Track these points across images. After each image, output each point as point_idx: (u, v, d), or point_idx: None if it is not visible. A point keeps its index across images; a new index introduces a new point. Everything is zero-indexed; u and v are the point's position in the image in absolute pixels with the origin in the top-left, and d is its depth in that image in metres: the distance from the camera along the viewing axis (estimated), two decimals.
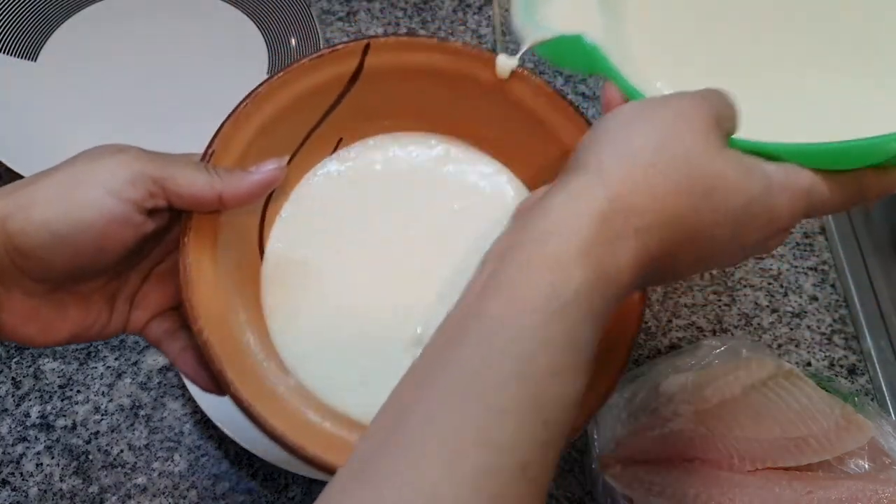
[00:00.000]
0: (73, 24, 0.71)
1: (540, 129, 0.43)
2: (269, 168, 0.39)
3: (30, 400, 0.55)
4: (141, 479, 0.53)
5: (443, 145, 0.46)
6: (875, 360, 0.60)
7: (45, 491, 0.52)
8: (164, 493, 0.52)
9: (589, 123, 0.41)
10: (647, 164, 0.30)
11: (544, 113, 0.43)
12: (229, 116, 0.40)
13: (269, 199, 0.43)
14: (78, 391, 0.56)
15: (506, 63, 0.43)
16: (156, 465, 0.53)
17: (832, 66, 0.41)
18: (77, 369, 0.56)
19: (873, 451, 0.49)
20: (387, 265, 0.44)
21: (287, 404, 0.38)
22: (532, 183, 0.45)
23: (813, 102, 0.40)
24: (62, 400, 0.55)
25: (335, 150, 0.46)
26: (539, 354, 0.27)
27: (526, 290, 0.28)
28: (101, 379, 0.56)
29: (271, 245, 0.43)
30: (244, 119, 0.40)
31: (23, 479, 0.52)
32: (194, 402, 0.52)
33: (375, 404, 0.29)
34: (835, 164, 0.34)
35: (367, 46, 0.43)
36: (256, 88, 0.41)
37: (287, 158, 0.41)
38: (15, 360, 0.57)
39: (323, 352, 0.41)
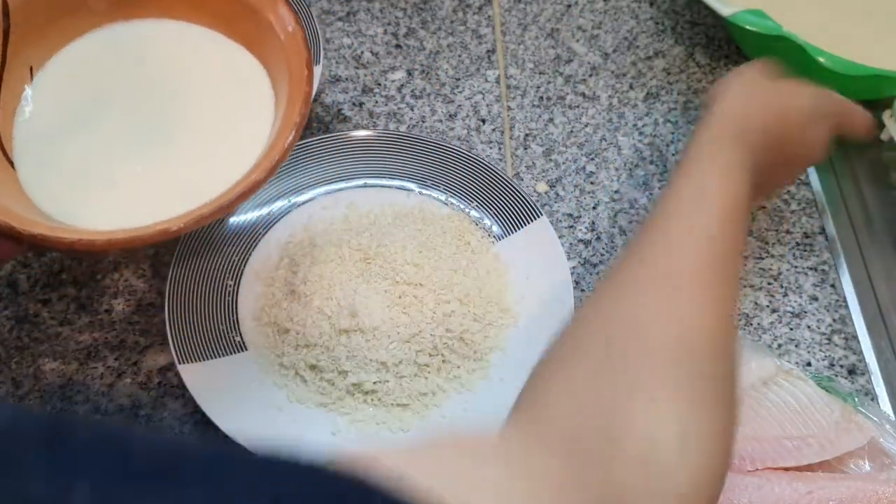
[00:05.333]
0: None
1: None
2: None
3: (30, 400, 0.55)
4: None
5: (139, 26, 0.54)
6: (875, 360, 0.60)
7: None
8: None
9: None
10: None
11: None
12: None
13: None
14: (78, 391, 0.56)
15: None
16: None
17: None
18: (77, 369, 0.56)
19: (873, 451, 0.49)
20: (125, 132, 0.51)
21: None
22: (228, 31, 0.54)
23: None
24: (62, 400, 0.55)
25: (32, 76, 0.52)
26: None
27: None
28: (101, 379, 0.56)
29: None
30: None
31: None
32: (194, 402, 0.52)
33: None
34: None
35: None
36: None
37: None
38: (15, 360, 0.57)
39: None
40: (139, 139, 0.51)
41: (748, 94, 0.50)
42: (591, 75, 0.75)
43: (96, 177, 0.49)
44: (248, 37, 0.54)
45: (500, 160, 0.69)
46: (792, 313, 0.61)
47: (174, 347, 0.54)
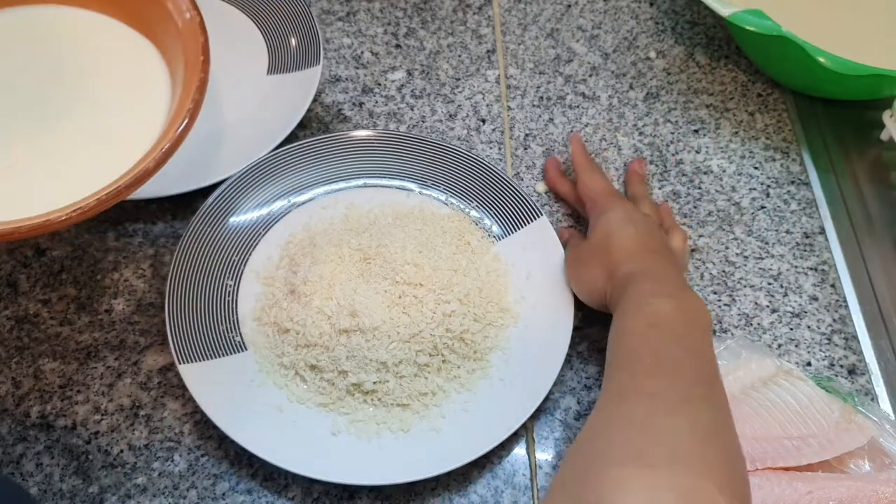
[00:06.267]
0: None
1: None
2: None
3: (30, 400, 0.55)
4: (141, 479, 0.53)
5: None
6: (875, 360, 0.60)
7: (45, 491, 0.52)
8: (164, 493, 0.52)
9: None
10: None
11: None
12: None
13: None
14: (78, 391, 0.56)
15: None
16: (156, 465, 0.53)
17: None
18: (77, 369, 0.57)
19: (873, 451, 0.49)
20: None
21: None
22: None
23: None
24: (62, 400, 0.55)
25: None
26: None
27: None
28: (101, 379, 0.56)
29: None
30: None
31: (23, 479, 0.52)
32: (194, 402, 0.52)
33: None
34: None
35: None
36: None
37: None
38: (15, 360, 0.57)
39: None
40: (28, 126, 0.49)
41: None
42: (591, 75, 0.75)
43: None
44: (146, 24, 0.53)
45: (500, 160, 0.69)
46: (792, 313, 0.61)
47: (174, 347, 0.54)
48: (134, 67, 0.53)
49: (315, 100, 0.70)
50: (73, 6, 0.54)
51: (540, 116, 0.72)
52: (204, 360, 0.54)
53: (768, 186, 0.68)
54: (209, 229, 0.60)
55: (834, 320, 0.61)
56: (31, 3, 0.54)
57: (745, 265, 0.64)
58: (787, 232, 0.66)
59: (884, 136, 0.70)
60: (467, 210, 0.63)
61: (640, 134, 0.71)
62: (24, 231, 0.41)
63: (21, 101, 0.51)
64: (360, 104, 0.71)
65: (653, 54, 0.77)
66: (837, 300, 0.63)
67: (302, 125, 0.69)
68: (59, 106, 0.51)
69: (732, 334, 0.60)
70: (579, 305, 0.60)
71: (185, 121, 0.46)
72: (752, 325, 0.61)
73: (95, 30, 0.54)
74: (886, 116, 0.67)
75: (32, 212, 0.42)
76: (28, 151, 0.48)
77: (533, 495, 0.53)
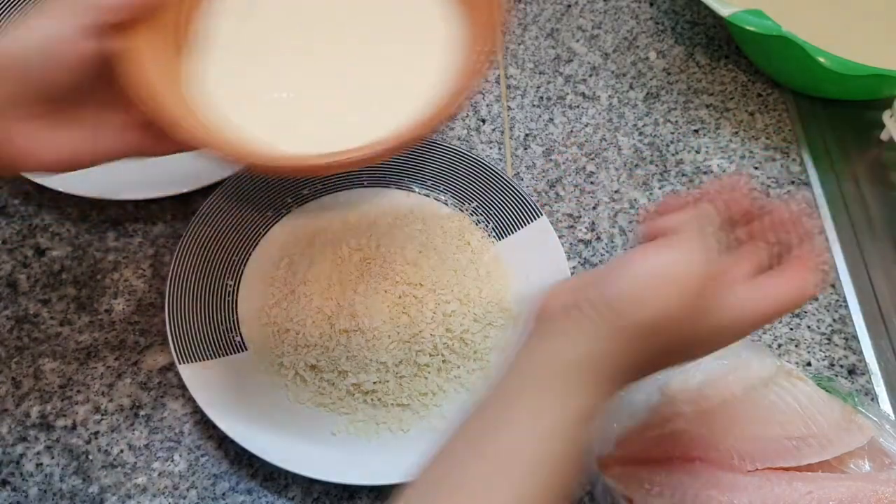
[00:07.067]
0: None
1: None
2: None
3: (30, 400, 0.55)
4: (141, 479, 0.53)
5: None
6: (875, 360, 0.60)
7: (45, 491, 0.52)
8: (164, 493, 0.52)
9: None
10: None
11: None
12: None
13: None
14: (78, 391, 0.56)
15: None
16: (156, 465, 0.53)
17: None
18: (77, 369, 0.57)
19: (873, 451, 0.49)
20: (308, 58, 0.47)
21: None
22: None
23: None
24: (62, 400, 0.55)
25: None
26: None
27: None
28: (101, 379, 0.56)
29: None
30: None
31: (23, 479, 0.52)
32: (194, 402, 0.52)
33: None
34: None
35: None
36: None
37: None
38: (15, 360, 0.57)
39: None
40: (318, 61, 0.48)
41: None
42: (591, 75, 0.75)
43: (276, 92, 0.46)
44: None
45: (500, 160, 0.69)
46: (792, 313, 0.61)
47: (174, 347, 0.54)
48: (414, 9, 0.49)
49: None
50: None
51: (540, 116, 0.72)
52: (204, 360, 0.54)
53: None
54: (209, 229, 0.60)
55: (834, 320, 0.61)
56: None
57: None
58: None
59: (884, 136, 0.70)
60: (467, 210, 0.63)
61: (640, 134, 0.71)
62: (356, 161, 0.40)
63: (312, 36, 0.49)
64: None
65: (653, 54, 0.77)
66: (837, 300, 0.63)
67: None
68: (348, 44, 0.49)
69: None
70: None
71: (486, 63, 0.43)
72: None
73: None
74: (886, 116, 0.67)
75: (329, 147, 0.40)
76: (325, 86, 0.47)
77: None
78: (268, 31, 0.48)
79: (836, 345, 0.60)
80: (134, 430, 0.54)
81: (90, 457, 0.53)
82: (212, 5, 0.48)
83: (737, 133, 0.72)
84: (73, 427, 0.54)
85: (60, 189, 0.62)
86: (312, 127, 0.45)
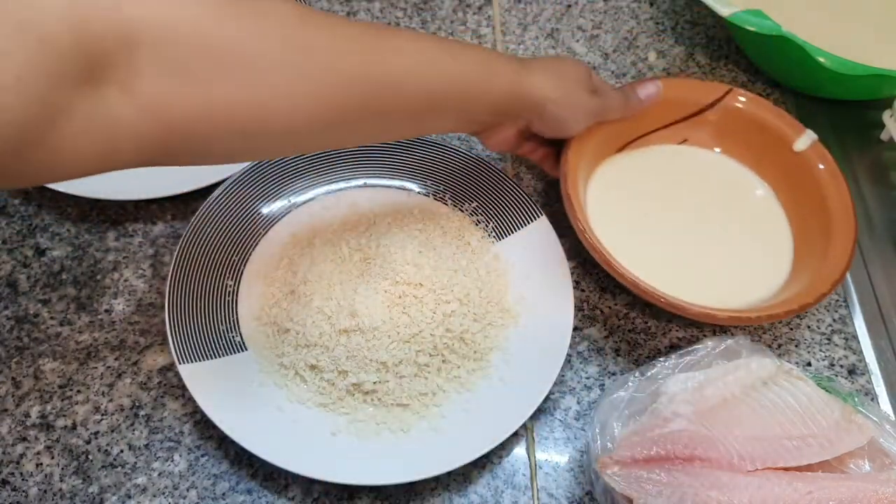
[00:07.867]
0: None
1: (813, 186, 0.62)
2: (651, 92, 0.62)
3: (30, 400, 0.55)
4: (141, 479, 0.53)
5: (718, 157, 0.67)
6: (875, 360, 0.60)
7: (45, 491, 0.52)
8: (164, 493, 0.52)
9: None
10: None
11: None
12: None
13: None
14: (78, 391, 0.56)
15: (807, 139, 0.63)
16: (156, 465, 0.53)
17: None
18: (77, 369, 0.57)
19: (873, 451, 0.49)
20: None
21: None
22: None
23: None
24: (62, 400, 0.55)
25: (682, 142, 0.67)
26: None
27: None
28: (101, 379, 0.56)
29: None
30: None
31: (23, 479, 0.52)
32: (194, 402, 0.52)
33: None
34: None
35: (728, 91, 0.65)
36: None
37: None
38: (15, 360, 0.57)
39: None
40: (688, 235, 0.62)
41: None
42: None
43: (660, 253, 0.61)
44: (755, 158, 0.66)
45: (500, 160, 0.69)
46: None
47: (174, 347, 0.54)
48: (747, 198, 0.65)
49: None
50: (698, 146, 0.67)
51: None
52: (204, 360, 0.54)
53: None
54: (209, 229, 0.60)
55: (834, 320, 0.61)
56: (663, 143, 0.66)
57: None
58: None
59: (884, 136, 0.70)
60: (467, 210, 0.63)
61: None
62: (751, 319, 0.55)
63: (676, 214, 0.63)
64: None
65: (653, 54, 0.77)
66: (837, 300, 0.63)
67: None
68: (703, 222, 0.63)
69: (732, 334, 0.60)
70: (579, 305, 0.60)
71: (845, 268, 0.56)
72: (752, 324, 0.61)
73: (715, 163, 0.66)
74: (886, 116, 0.67)
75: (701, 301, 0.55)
76: (692, 254, 0.61)
77: (533, 495, 0.53)
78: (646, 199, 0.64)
79: (836, 345, 0.60)
80: (134, 430, 0.54)
81: (90, 457, 0.53)
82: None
83: None
84: (73, 427, 0.54)
85: (60, 189, 0.62)
86: (682, 281, 0.58)
